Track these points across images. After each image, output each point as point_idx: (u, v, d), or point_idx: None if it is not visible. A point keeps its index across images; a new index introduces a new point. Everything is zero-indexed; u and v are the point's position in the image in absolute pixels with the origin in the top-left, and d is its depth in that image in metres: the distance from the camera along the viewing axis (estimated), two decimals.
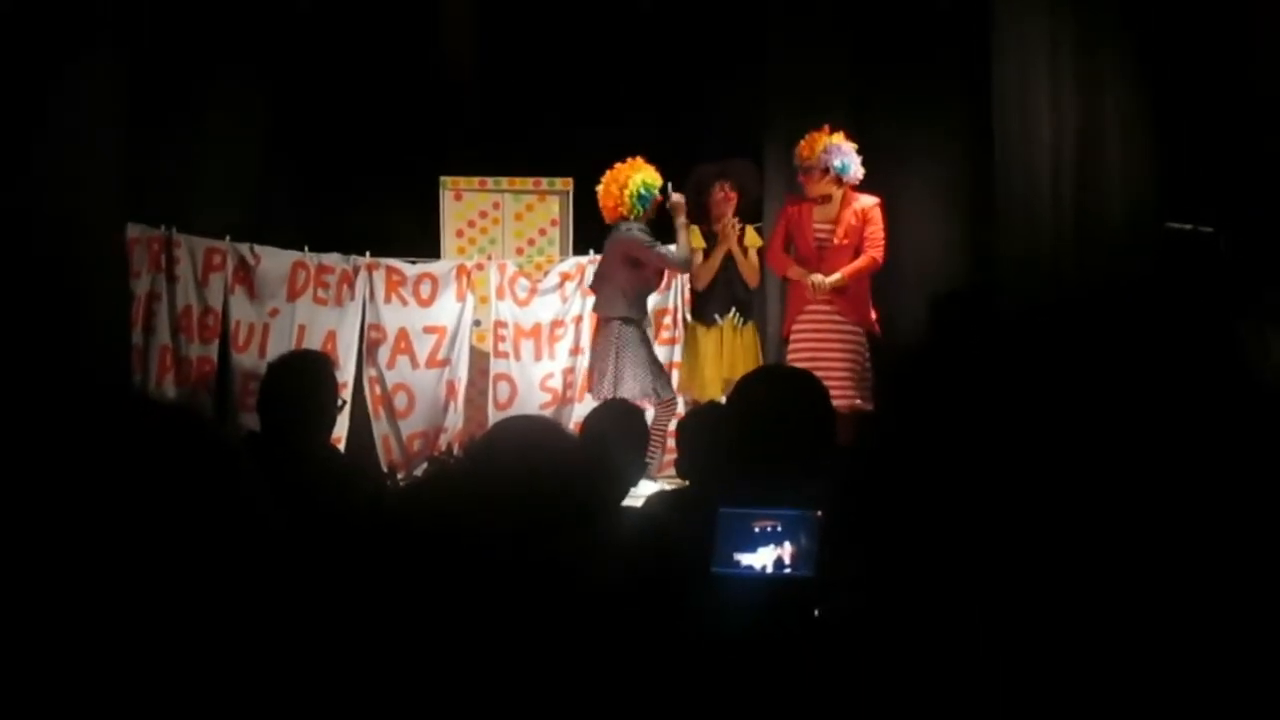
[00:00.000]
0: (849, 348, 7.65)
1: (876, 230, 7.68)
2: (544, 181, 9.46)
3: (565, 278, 8.99)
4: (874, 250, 7.67)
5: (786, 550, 2.72)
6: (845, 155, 7.67)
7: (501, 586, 2.28)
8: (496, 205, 9.47)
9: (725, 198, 8.06)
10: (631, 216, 7.80)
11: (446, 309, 8.95)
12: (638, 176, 7.81)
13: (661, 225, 8.10)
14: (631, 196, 7.78)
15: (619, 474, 4.54)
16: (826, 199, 7.72)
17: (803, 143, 7.75)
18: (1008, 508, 3.05)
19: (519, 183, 9.47)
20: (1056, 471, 3.39)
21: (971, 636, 2.64)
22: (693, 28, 9.47)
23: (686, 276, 8.33)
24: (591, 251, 8.62)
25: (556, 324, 8.97)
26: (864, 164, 7.74)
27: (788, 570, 2.72)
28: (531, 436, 2.78)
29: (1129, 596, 2.74)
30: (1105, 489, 3.26)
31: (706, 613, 2.73)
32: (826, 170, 7.64)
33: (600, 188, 7.91)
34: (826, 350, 7.58)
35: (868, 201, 7.71)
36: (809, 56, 8.68)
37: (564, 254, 9.29)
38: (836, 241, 7.67)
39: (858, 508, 2.93)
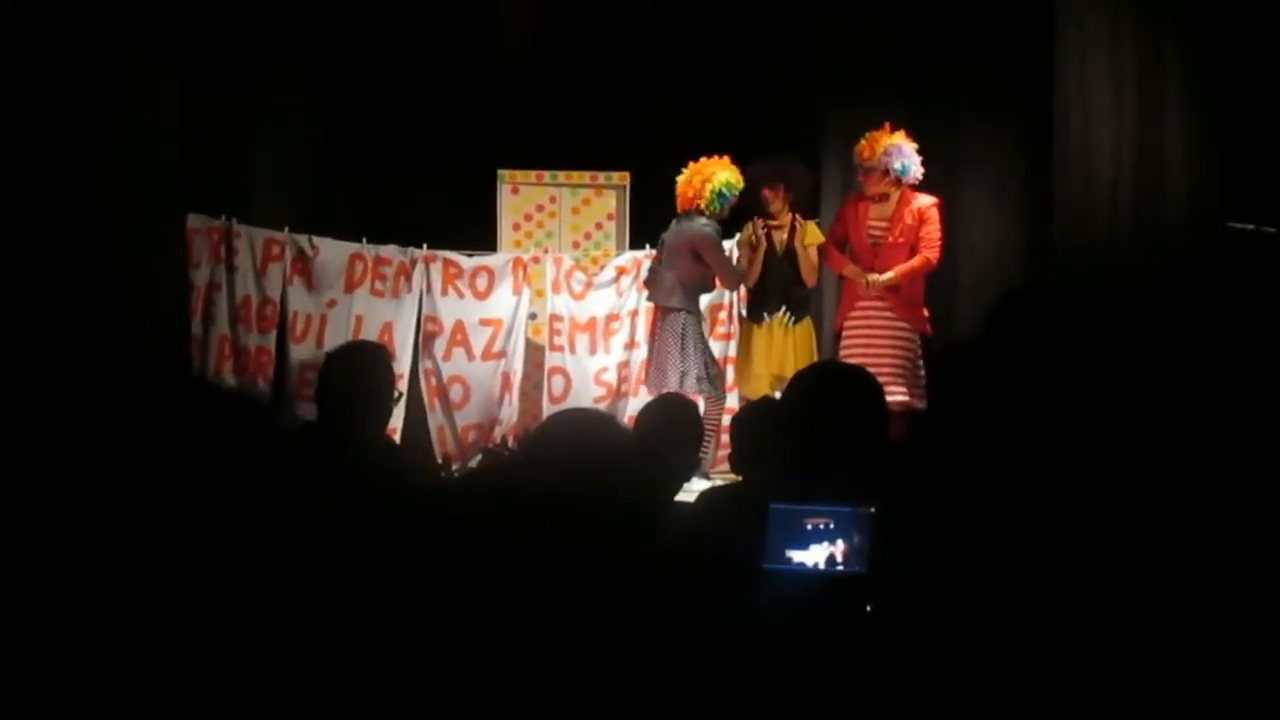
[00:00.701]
0: (900, 346, 7.62)
1: (933, 230, 7.64)
2: (601, 176, 9.46)
3: (621, 272, 8.99)
4: (929, 250, 7.63)
5: (839, 547, 2.72)
6: (906, 157, 7.64)
7: (552, 580, 2.29)
8: (553, 199, 9.48)
9: (775, 196, 8.03)
10: (708, 212, 7.84)
11: (502, 302, 8.97)
12: (723, 175, 7.84)
13: (728, 227, 8.14)
14: (712, 192, 7.82)
15: (672, 469, 4.53)
16: (884, 197, 7.69)
17: (863, 142, 7.71)
18: (1061, 509, 3.03)
19: (576, 177, 9.48)
20: (1111, 473, 3.36)
21: (1020, 636, 2.63)
22: (751, 24, 9.45)
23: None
24: (648, 246, 8.61)
25: (612, 318, 8.97)
26: (921, 163, 7.70)
27: (840, 567, 2.72)
28: (585, 430, 2.79)
29: (1183, 598, 2.72)
30: (1160, 491, 3.24)
31: (758, 609, 2.73)
32: (887, 171, 7.61)
33: (682, 176, 7.94)
34: (878, 347, 7.56)
35: (925, 201, 7.66)
36: (866, 53, 8.66)
37: (620, 248, 9.29)
38: (891, 240, 7.65)
39: (910, 506, 2.92)
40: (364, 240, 8.95)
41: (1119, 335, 6.77)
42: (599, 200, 9.50)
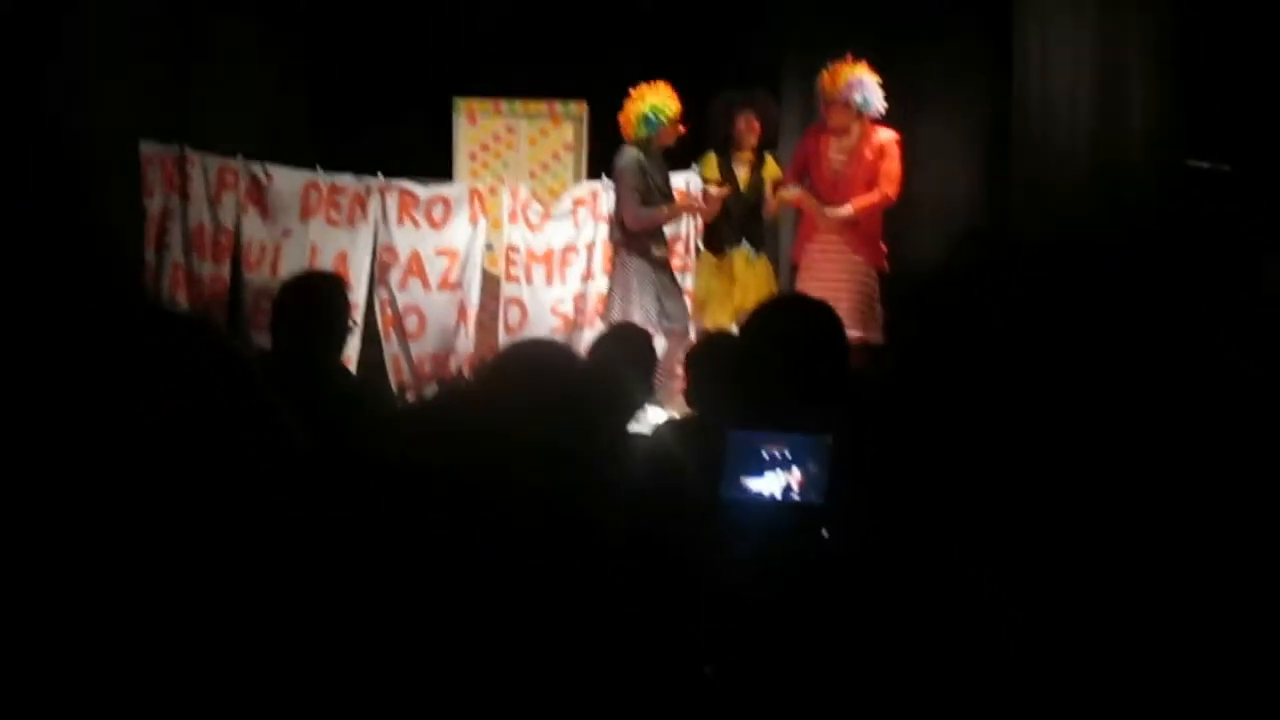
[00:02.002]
0: (857, 281, 7.62)
1: (892, 165, 7.62)
2: (559, 105, 9.39)
3: (578, 203, 8.94)
4: (888, 186, 7.61)
5: (795, 476, 2.71)
6: (868, 89, 7.61)
7: (509, 510, 2.29)
8: (510, 129, 9.41)
9: (749, 128, 7.99)
10: (637, 139, 7.78)
11: (459, 232, 8.91)
12: (650, 99, 7.76)
13: (679, 158, 8.08)
14: (638, 118, 7.75)
15: (625, 398, 4.52)
16: (845, 131, 7.66)
17: (825, 74, 7.67)
18: (1019, 443, 3.05)
19: (533, 106, 9.40)
20: (1069, 409, 3.38)
21: (974, 569, 2.65)
22: None
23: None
24: (604, 177, 8.56)
25: (569, 249, 8.93)
26: (883, 97, 7.68)
27: (795, 497, 2.72)
28: (541, 361, 2.77)
29: (1135, 531, 2.74)
30: (1118, 430, 3.26)
31: (715, 538, 2.73)
32: (848, 104, 7.57)
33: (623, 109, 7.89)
34: (834, 281, 7.55)
35: (886, 136, 7.64)
36: None
37: (578, 179, 9.24)
38: (850, 173, 7.63)
39: (867, 436, 2.92)
40: (319, 169, 8.87)
41: (1078, 272, 6.80)
42: (556, 131, 9.43)
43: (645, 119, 7.73)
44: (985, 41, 8.13)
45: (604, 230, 8.50)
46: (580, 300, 8.90)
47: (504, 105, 9.39)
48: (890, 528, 2.72)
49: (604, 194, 8.51)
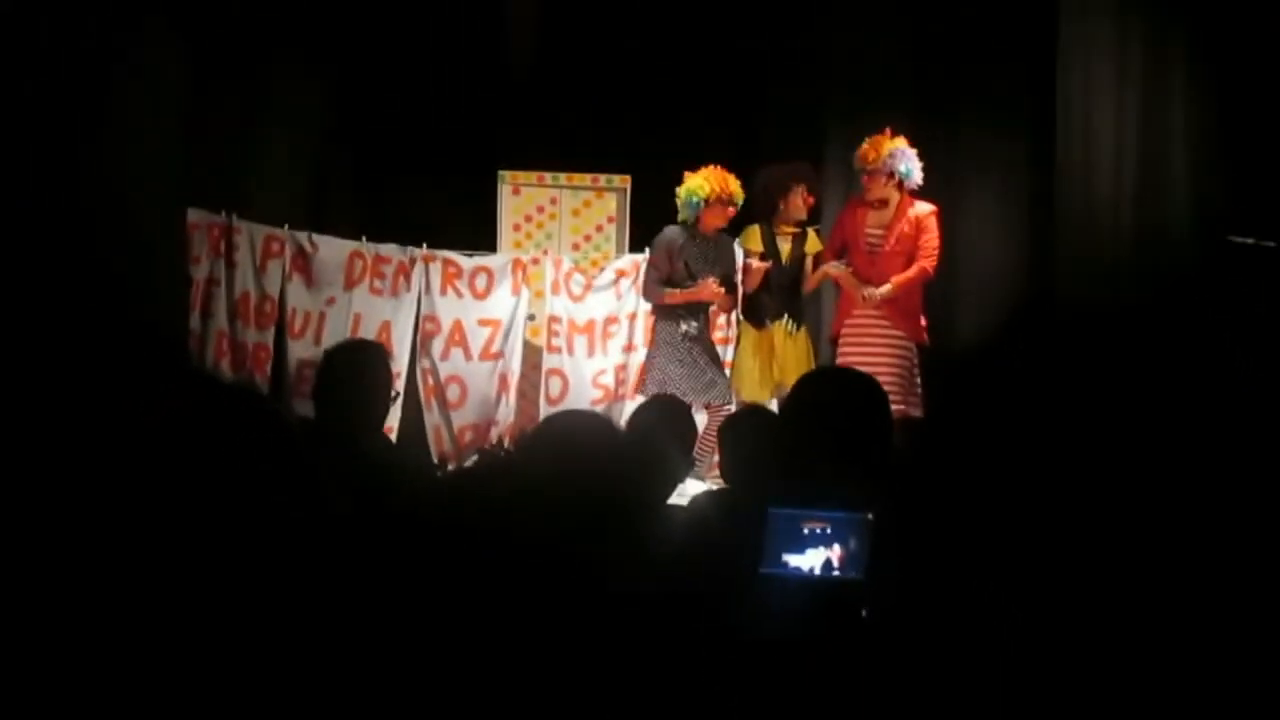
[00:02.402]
0: (896, 355, 7.57)
1: (931, 239, 7.60)
2: (602, 178, 9.46)
3: (620, 274, 8.99)
4: (926, 260, 7.58)
5: (835, 552, 2.71)
6: (910, 160, 7.61)
7: (544, 581, 2.28)
8: (554, 200, 9.47)
9: (804, 202, 7.98)
10: (681, 219, 7.83)
11: (501, 302, 8.96)
12: (690, 181, 7.80)
13: (734, 228, 8.11)
14: (680, 200, 7.81)
15: (664, 470, 4.50)
16: (884, 204, 7.65)
17: (866, 145, 7.67)
18: (1059, 518, 3.02)
19: (577, 179, 9.47)
20: (1109, 482, 3.36)
21: (1013, 644, 2.62)
22: (754, 29, 9.45)
23: (740, 277, 8.25)
24: (647, 249, 8.60)
25: (610, 320, 8.97)
26: (925, 167, 7.68)
27: (836, 573, 2.71)
28: (581, 432, 2.78)
29: (1178, 607, 2.71)
30: (1157, 501, 3.23)
31: (753, 613, 2.72)
32: (891, 174, 7.57)
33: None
34: (874, 356, 7.51)
35: (923, 209, 7.62)
36: (870, 58, 8.64)
37: (620, 251, 9.29)
38: (888, 248, 7.61)
39: (908, 513, 2.91)
40: (364, 238, 8.94)
41: (1120, 347, 6.76)
42: (599, 203, 9.49)
43: (686, 203, 7.78)
44: (1028, 112, 8.13)
45: (645, 302, 8.53)
46: (621, 371, 8.92)
47: (548, 177, 9.46)
48: (931, 606, 2.70)
49: (644, 266, 8.54)
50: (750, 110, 9.61)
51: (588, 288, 9.01)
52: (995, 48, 8.24)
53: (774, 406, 7.28)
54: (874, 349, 7.58)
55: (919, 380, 7.60)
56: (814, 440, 3.27)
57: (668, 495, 4.54)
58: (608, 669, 2.26)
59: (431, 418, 8.89)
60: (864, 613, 2.69)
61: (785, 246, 8.01)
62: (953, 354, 7.90)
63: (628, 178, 9.37)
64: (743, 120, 9.57)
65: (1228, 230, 7.03)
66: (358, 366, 4.61)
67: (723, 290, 7.83)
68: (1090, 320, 7.07)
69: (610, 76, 9.64)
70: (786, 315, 7.97)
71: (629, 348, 8.89)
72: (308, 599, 1.81)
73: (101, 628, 1.71)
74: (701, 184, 7.77)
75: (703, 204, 7.74)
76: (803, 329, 8.04)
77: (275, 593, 1.78)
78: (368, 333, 8.61)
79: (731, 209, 7.82)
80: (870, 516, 2.70)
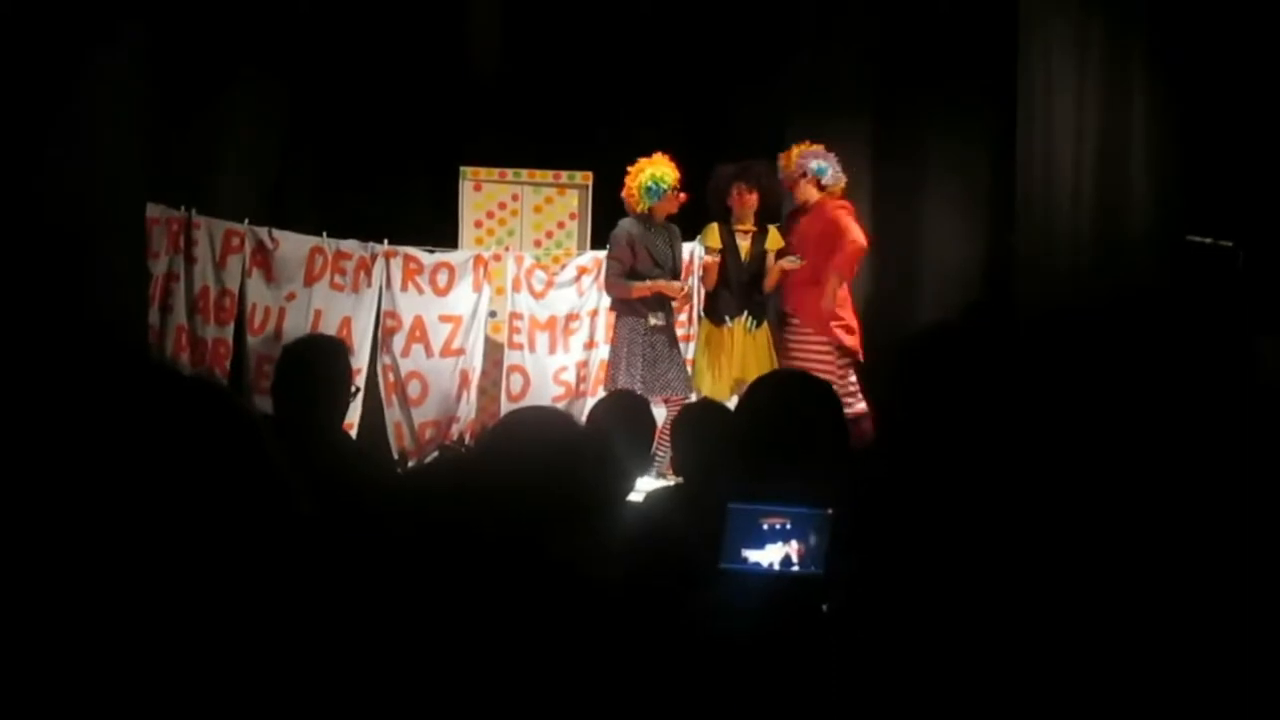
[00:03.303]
0: (808, 354, 7.77)
1: (839, 227, 7.78)
2: (564, 175, 9.45)
3: (582, 271, 8.98)
4: (841, 253, 7.75)
5: (794, 548, 2.72)
6: (820, 158, 7.79)
7: (504, 576, 2.28)
8: (516, 197, 9.46)
9: (741, 200, 8.06)
10: (640, 209, 7.88)
11: (463, 299, 8.94)
12: (649, 170, 7.85)
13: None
14: (640, 189, 7.85)
15: (623, 466, 4.50)
16: (808, 207, 7.85)
17: (781, 156, 7.90)
18: (1016, 512, 3.05)
19: (539, 175, 9.46)
20: (1066, 477, 3.38)
21: (974, 636, 2.64)
22: (719, 26, 9.47)
23: (699, 276, 8.31)
24: (609, 247, 8.60)
25: (571, 317, 8.96)
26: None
27: (795, 568, 2.72)
28: (541, 428, 2.78)
29: (1133, 602, 2.74)
30: (1114, 496, 3.26)
31: (713, 609, 2.73)
32: (804, 174, 7.75)
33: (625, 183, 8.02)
34: (795, 359, 7.77)
35: (835, 207, 7.80)
36: (833, 58, 8.69)
37: (582, 248, 9.28)
38: (812, 247, 7.81)
39: (866, 508, 2.93)
40: (325, 234, 8.91)
41: (1077, 341, 6.81)
42: (561, 199, 9.49)
43: (647, 189, 7.82)
44: (988, 112, 8.18)
45: (607, 298, 8.54)
46: (583, 368, 8.92)
47: (509, 174, 9.45)
48: (890, 600, 2.72)
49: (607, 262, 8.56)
50: (714, 108, 9.62)
51: (549, 284, 9.00)
52: (956, 51, 8.30)
53: (732, 403, 7.32)
54: (795, 353, 7.80)
55: (852, 377, 7.71)
56: (774, 440, 3.30)
57: (627, 492, 4.54)
58: (567, 666, 2.27)
59: (392, 414, 8.86)
60: (824, 607, 2.71)
61: (744, 244, 8.06)
62: (910, 350, 7.94)
63: (589, 174, 9.37)
64: (706, 118, 9.58)
65: (1186, 230, 7.10)
66: (317, 362, 4.60)
67: (683, 287, 7.88)
68: (1048, 320, 7.12)
69: (572, 74, 9.63)
70: (746, 313, 8.01)
71: (590, 344, 8.89)
72: (274, 597, 1.81)
73: (63, 628, 1.70)
74: (666, 171, 7.84)
75: (669, 190, 7.81)
76: (763, 326, 8.09)
77: (241, 591, 1.77)
78: (328, 328, 8.58)
79: (682, 196, 7.90)
80: (829, 512, 2.72)
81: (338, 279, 8.88)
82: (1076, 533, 2.91)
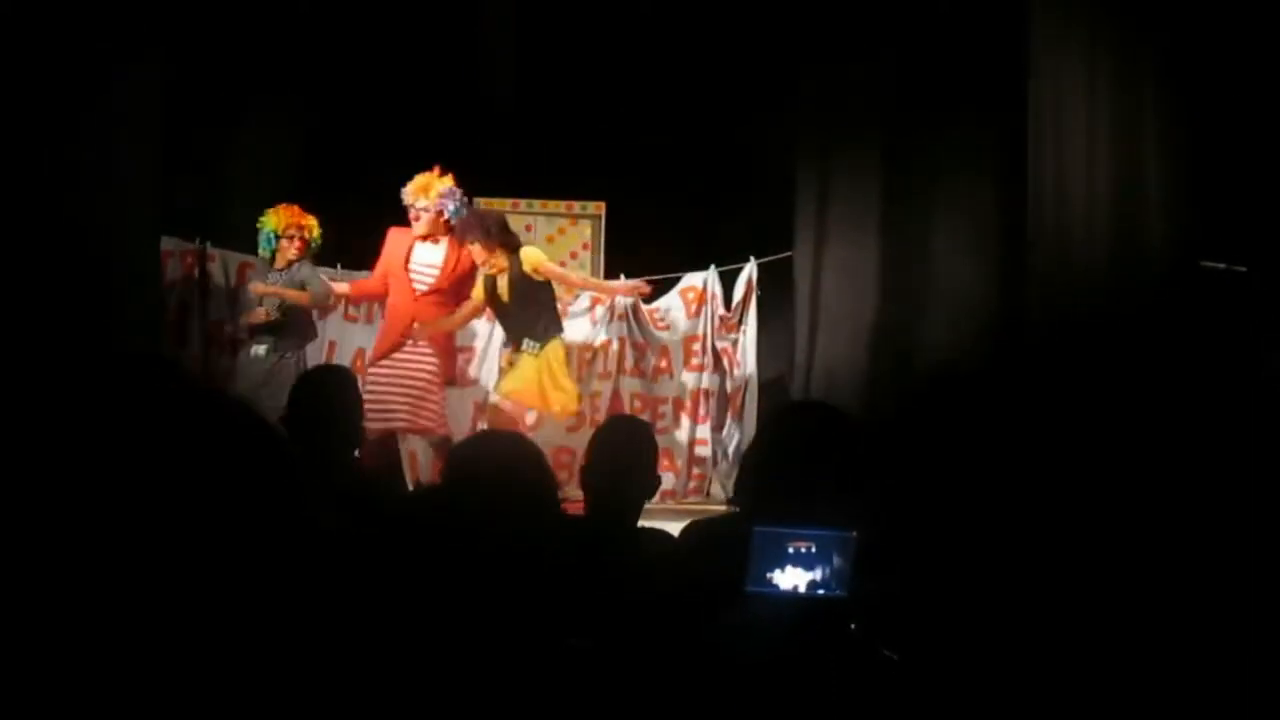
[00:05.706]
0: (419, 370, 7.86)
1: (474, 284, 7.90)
2: (576, 205, 9.47)
3: (596, 301, 8.99)
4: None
5: (820, 571, 2.71)
6: (458, 200, 7.79)
7: (495, 576, 2.30)
8: (529, 228, 9.49)
9: (476, 252, 7.89)
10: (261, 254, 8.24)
11: (477, 330, 8.95)
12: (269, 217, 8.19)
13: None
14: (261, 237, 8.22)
15: (634, 487, 4.39)
16: (435, 241, 7.87)
17: (417, 183, 7.94)
18: (1036, 534, 3.04)
19: (552, 205, 9.49)
20: (1086, 499, 3.38)
21: (997, 657, 2.64)
22: (730, 59, 9.50)
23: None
24: (623, 276, 8.61)
25: (585, 348, 8.96)
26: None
27: (821, 591, 2.71)
28: (491, 449, 2.82)
29: (1154, 617, 2.73)
30: (1132, 519, 3.26)
31: (739, 631, 2.72)
32: (440, 213, 7.74)
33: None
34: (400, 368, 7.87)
35: (469, 250, 7.81)
36: (842, 85, 8.69)
37: (595, 277, 9.29)
38: (441, 285, 7.89)
39: (891, 530, 2.92)
40: (339, 266, 8.93)
41: (1092, 369, 6.80)
42: (574, 229, 9.51)
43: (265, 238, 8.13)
44: (1000, 134, 8.17)
45: (619, 330, 8.53)
46: (595, 399, 8.91)
47: (522, 204, 9.47)
48: (914, 619, 2.71)
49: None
50: (724, 138, 9.64)
51: (563, 314, 9.00)
52: (969, 74, 8.30)
53: (531, 420, 8.03)
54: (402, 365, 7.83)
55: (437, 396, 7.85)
56: (799, 468, 3.32)
57: (637, 508, 4.42)
58: (593, 689, 2.26)
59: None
60: (852, 626, 2.70)
61: (502, 282, 7.87)
62: (924, 373, 7.93)
63: (602, 205, 9.39)
64: (716, 148, 9.60)
65: (1199, 256, 7.09)
66: (329, 392, 4.62)
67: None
68: (1062, 347, 7.11)
69: (585, 103, 9.66)
70: (525, 340, 7.90)
71: (605, 375, 8.89)
72: (299, 609, 1.81)
73: (91, 637, 1.70)
74: (269, 216, 8.14)
75: (275, 235, 8.14)
76: (549, 339, 7.91)
77: (267, 603, 1.77)
78: (342, 359, 8.61)
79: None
80: (855, 534, 2.72)
81: (351, 310, 8.91)
82: (1099, 550, 2.91)
